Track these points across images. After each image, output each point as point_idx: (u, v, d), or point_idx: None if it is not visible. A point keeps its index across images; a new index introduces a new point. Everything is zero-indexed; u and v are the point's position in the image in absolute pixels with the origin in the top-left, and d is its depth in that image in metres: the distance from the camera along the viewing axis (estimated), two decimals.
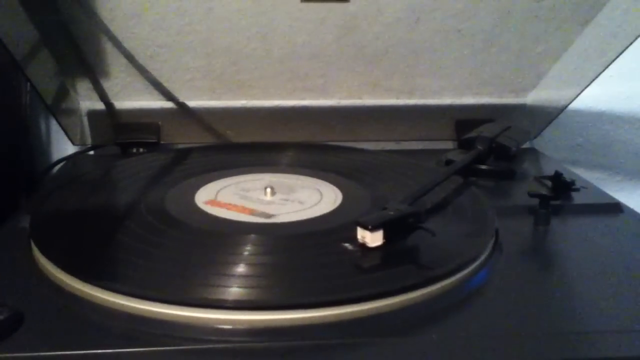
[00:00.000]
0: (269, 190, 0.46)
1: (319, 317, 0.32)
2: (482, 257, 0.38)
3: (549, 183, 0.49)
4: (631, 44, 0.54)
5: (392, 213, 0.38)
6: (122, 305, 0.33)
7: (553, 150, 0.71)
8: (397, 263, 0.36)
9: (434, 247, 0.38)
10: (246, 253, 0.38)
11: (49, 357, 0.29)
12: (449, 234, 0.41)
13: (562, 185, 0.48)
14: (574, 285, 0.37)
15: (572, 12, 0.58)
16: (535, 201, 0.45)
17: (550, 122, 0.65)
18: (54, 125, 0.66)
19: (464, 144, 0.57)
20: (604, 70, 0.58)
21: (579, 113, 0.73)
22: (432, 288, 0.35)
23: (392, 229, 0.37)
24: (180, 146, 0.64)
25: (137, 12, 0.56)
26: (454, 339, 0.31)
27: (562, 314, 0.33)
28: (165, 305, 0.32)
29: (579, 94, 0.61)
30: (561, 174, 0.47)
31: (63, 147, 0.67)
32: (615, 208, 0.48)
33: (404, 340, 0.31)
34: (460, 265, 0.36)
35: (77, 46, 0.58)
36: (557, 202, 0.46)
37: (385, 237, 0.37)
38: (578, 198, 0.49)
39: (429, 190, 0.44)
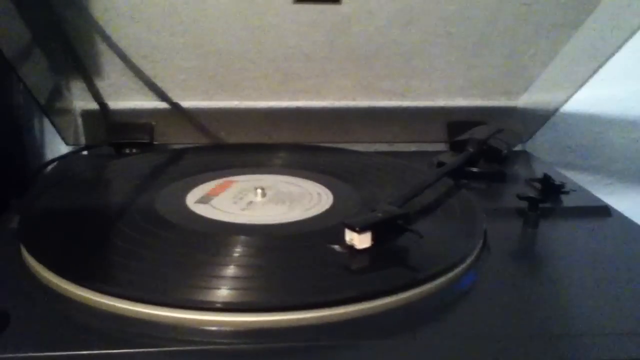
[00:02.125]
0: (259, 191, 0.47)
1: (306, 318, 0.32)
2: (470, 259, 0.38)
3: (540, 186, 0.50)
4: (621, 47, 0.54)
5: (380, 215, 0.38)
6: (111, 306, 0.32)
7: (544, 153, 0.71)
8: (385, 265, 0.36)
9: (422, 249, 0.38)
10: (234, 254, 0.38)
11: (35, 358, 0.29)
12: (438, 235, 0.41)
13: (551, 188, 0.48)
14: (561, 287, 0.37)
15: (563, 15, 0.58)
16: (524, 203, 0.45)
17: (542, 125, 0.66)
18: (48, 125, 0.65)
19: (456, 146, 0.57)
20: (594, 74, 0.58)
21: (570, 116, 0.73)
22: (420, 290, 0.35)
23: (380, 230, 0.37)
24: (174, 147, 0.64)
25: (131, 12, 0.56)
26: (443, 340, 0.31)
27: (549, 316, 0.34)
28: (153, 307, 0.32)
29: (570, 97, 0.61)
30: (550, 177, 0.47)
31: (56, 147, 0.67)
32: (604, 211, 0.48)
33: (391, 343, 0.31)
34: (449, 267, 0.36)
35: (71, 46, 0.58)
36: (546, 205, 0.47)
37: (373, 238, 0.37)
38: (567, 201, 0.49)
39: (419, 192, 0.44)
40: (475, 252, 0.39)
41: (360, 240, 0.37)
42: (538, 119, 0.65)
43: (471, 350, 0.30)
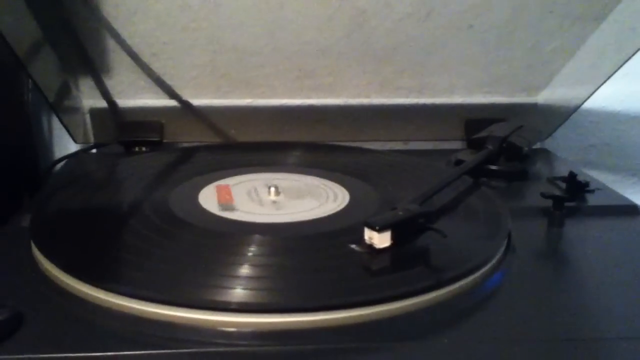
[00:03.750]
0: (273, 189, 0.45)
1: (324, 320, 0.31)
2: (495, 260, 0.37)
3: (563, 184, 0.48)
4: None
5: (401, 213, 0.37)
6: (125, 306, 0.32)
7: (565, 151, 0.69)
8: (407, 265, 0.35)
9: (445, 249, 0.37)
10: (251, 254, 0.37)
11: (49, 359, 0.28)
12: (461, 235, 0.39)
13: (576, 186, 0.47)
14: (589, 289, 0.36)
15: (588, 7, 0.56)
16: (548, 202, 0.44)
17: (563, 122, 0.64)
18: (56, 123, 0.65)
19: (474, 144, 0.56)
20: (618, 69, 0.56)
21: (592, 112, 0.71)
22: (444, 291, 0.33)
23: (401, 230, 0.36)
24: (184, 145, 0.64)
25: (142, 8, 0.55)
26: (467, 344, 0.30)
27: (577, 320, 0.32)
28: (169, 307, 0.31)
29: (593, 92, 0.60)
30: (576, 175, 0.46)
31: (65, 146, 0.67)
32: (632, 210, 0.47)
33: (413, 345, 0.30)
34: (473, 268, 0.35)
35: (80, 43, 0.58)
36: (572, 204, 0.45)
37: (393, 238, 0.36)
38: (593, 200, 0.48)
39: (440, 190, 0.43)
40: (500, 253, 0.38)
41: (380, 240, 0.36)
42: (559, 115, 0.64)
43: (495, 355, 0.29)
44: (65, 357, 0.28)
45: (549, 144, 0.66)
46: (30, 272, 0.36)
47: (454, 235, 0.38)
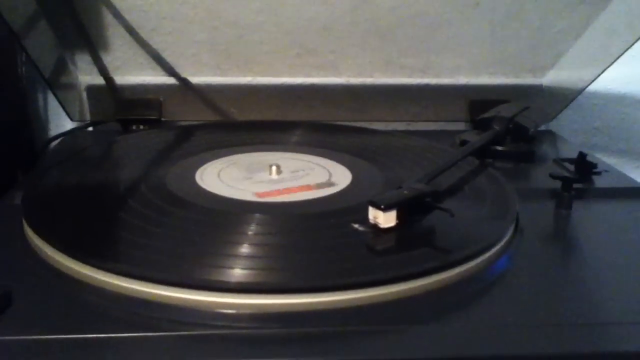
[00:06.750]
0: (274, 168, 0.44)
1: (326, 302, 0.30)
2: (503, 242, 0.36)
3: (570, 166, 0.48)
4: None
5: (406, 192, 0.36)
6: (120, 286, 0.31)
7: (569, 133, 0.69)
8: (412, 246, 0.34)
9: (451, 230, 0.36)
10: (251, 233, 0.36)
11: (40, 341, 0.27)
12: (468, 216, 0.39)
13: (585, 168, 0.46)
14: (597, 272, 0.35)
15: None
16: (555, 184, 0.43)
17: (568, 104, 0.63)
18: (52, 100, 0.64)
19: (480, 125, 0.55)
20: (625, 51, 0.55)
21: (597, 95, 0.70)
22: (450, 273, 0.33)
23: (407, 209, 0.35)
24: (183, 123, 0.63)
25: None
26: (471, 328, 0.29)
27: (585, 304, 0.32)
28: (165, 287, 0.30)
29: (600, 74, 0.59)
30: (586, 155, 0.45)
31: (61, 123, 0.66)
32: None
33: (418, 329, 0.29)
34: (481, 250, 0.34)
35: (77, 17, 0.56)
36: (579, 186, 0.44)
37: (399, 217, 0.35)
38: (600, 182, 0.47)
39: (446, 170, 0.42)
40: (508, 235, 0.37)
41: (385, 219, 0.35)
42: (564, 97, 0.63)
43: (500, 338, 0.29)
44: (56, 339, 0.27)
45: (552, 125, 0.65)
46: (22, 250, 0.35)
47: (461, 217, 0.37)
